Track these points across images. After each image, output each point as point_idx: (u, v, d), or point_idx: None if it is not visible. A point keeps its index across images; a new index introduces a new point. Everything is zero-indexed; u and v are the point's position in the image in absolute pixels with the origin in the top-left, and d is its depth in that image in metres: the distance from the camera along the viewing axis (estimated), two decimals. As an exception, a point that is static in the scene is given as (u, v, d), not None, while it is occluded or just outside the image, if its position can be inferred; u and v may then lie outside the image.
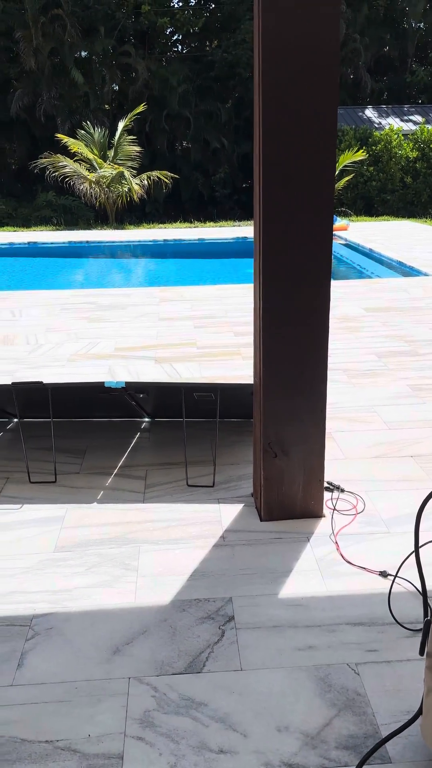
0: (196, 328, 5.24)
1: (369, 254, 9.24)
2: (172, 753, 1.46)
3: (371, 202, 16.43)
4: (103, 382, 2.67)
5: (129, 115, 14.13)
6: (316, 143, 2.08)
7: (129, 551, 2.25)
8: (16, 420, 3.48)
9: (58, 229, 13.59)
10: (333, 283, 7.45)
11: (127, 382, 2.67)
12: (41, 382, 2.65)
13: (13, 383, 2.64)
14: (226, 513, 2.47)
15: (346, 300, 6.13)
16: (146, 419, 3.44)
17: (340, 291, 6.51)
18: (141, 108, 14.32)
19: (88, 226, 15.71)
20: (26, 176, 22.50)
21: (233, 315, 5.65)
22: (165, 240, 11.27)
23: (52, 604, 1.98)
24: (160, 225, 13.98)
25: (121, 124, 14.13)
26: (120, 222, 15.33)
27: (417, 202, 16.32)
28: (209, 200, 22.67)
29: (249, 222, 14.33)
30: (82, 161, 14.07)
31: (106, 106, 21.66)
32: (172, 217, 18.05)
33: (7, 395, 2.83)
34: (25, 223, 17.31)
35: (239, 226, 13.26)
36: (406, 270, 7.84)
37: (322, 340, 2.28)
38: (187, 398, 2.86)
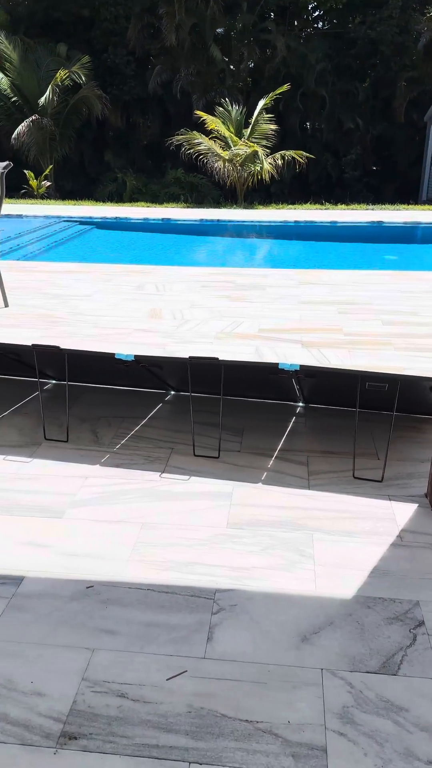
0: (340, 314, 5.11)
1: None
2: (378, 755, 1.41)
3: None
4: (277, 364, 2.64)
5: (271, 94, 13.97)
6: None
7: (302, 537, 2.22)
8: (172, 392, 3.54)
9: (188, 207, 13.76)
10: None
11: (301, 366, 2.62)
12: (216, 358, 2.66)
13: (190, 357, 2.67)
14: (400, 511, 2.38)
15: None
16: (300, 404, 3.39)
17: None
18: (285, 88, 14.10)
19: (215, 204, 15.83)
20: (157, 153, 22.99)
21: (378, 302, 5.45)
22: (296, 221, 11.10)
23: (233, 580, 1.99)
24: (290, 206, 13.79)
25: (261, 102, 14.00)
26: (248, 202, 15.29)
27: None
28: (337, 182, 22.11)
29: (382, 206, 13.82)
30: (217, 139, 14.12)
31: (241, 83, 21.58)
32: (297, 199, 17.77)
33: (181, 370, 2.87)
34: (154, 200, 17.72)
35: (372, 209, 12.81)
36: None
37: None
38: (355, 387, 2.77)
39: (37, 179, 16.27)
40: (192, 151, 14.05)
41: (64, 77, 18.16)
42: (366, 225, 10.83)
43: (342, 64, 21.45)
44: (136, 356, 2.75)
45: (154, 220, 11.41)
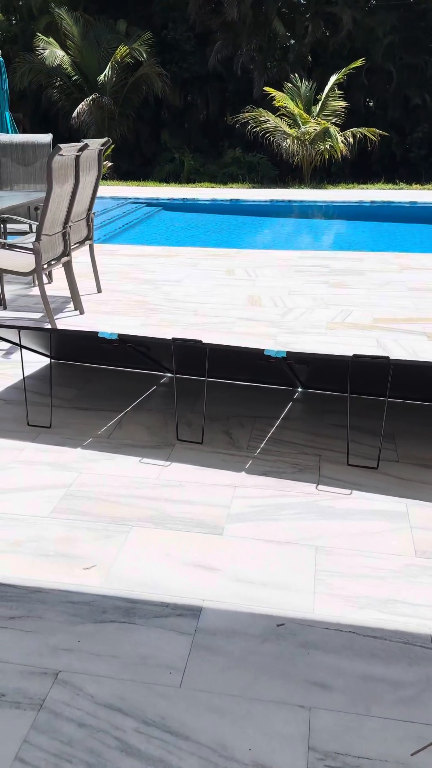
0: (457, 303, 4.72)
1: None
2: None
3: None
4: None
5: (345, 69, 13.40)
6: None
7: None
8: (300, 390, 3.26)
9: (254, 187, 13.35)
10: None
11: None
12: (387, 357, 2.35)
13: (354, 355, 2.37)
14: None
15: None
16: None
17: None
18: (359, 62, 13.49)
19: (275, 184, 15.35)
20: (214, 132, 22.53)
21: None
22: (372, 201, 10.61)
23: (447, 626, 1.70)
24: (361, 185, 13.25)
25: (333, 78, 13.45)
26: (313, 182, 14.76)
27: None
28: (401, 161, 21.24)
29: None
30: (284, 116, 13.63)
31: (304, 59, 20.85)
32: (358, 179, 17.10)
33: (341, 368, 2.57)
34: (212, 180, 17.33)
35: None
36: None
37: None
38: None
39: (98, 159, 16.05)
40: (258, 129, 13.58)
41: (124, 54, 17.87)
42: (447, 206, 10.28)
43: (411, 37, 20.47)
44: (288, 353, 2.46)
45: (222, 200, 11.07)
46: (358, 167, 19.67)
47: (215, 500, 2.30)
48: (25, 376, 3.31)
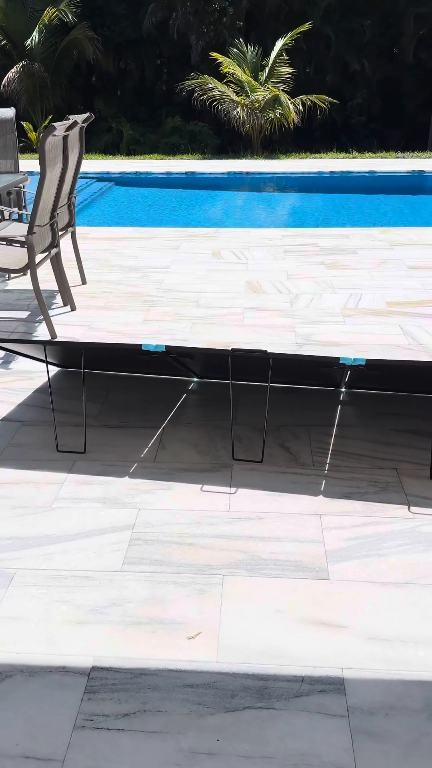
0: (464, 282, 4.57)
1: None
2: None
3: None
4: None
5: (291, 33, 13.00)
6: None
7: None
8: (344, 390, 3.02)
9: (206, 158, 12.90)
10: None
11: None
12: (264, 351, 2.13)
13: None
14: None
15: None
16: None
17: None
18: (306, 26, 13.10)
19: (221, 154, 14.90)
20: (150, 100, 21.71)
21: None
22: (332, 172, 10.40)
23: None
24: (315, 155, 13.02)
25: (279, 43, 13.04)
26: (264, 151, 14.39)
27: None
28: (342, 128, 21.10)
29: (415, 153, 13.09)
30: (231, 83, 13.15)
31: (240, 23, 20.21)
32: (302, 148, 16.85)
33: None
34: (153, 150, 16.68)
35: (404, 157, 12.10)
36: None
37: None
38: None
39: (36, 131, 15.13)
40: (205, 97, 13.06)
41: (52, 16, 16.79)
42: (406, 175, 10.16)
43: (348, 0, 20.18)
44: (367, 360, 2.21)
45: (177, 174, 10.58)
46: (302, 135, 19.39)
47: (305, 534, 2.04)
48: (50, 391, 2.93)
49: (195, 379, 3.12)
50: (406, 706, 1.47)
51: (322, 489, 2.28)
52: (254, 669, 1.57)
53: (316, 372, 2.74)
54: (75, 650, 1.61)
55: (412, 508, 2.17)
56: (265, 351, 2.24)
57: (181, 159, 12.52)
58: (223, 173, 10.62)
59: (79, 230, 6.40)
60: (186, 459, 2.47)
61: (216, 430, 2.67)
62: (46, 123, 16.29)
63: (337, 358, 2.22)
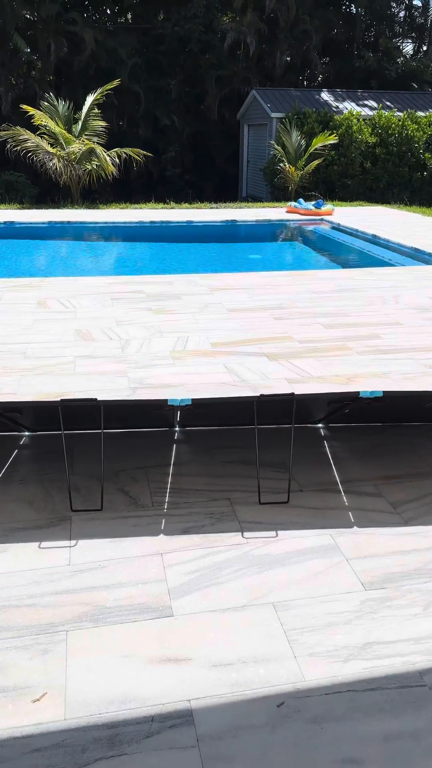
0: (277, 320, 4.98)
1: (374, 241, 9.23)
2: None
3: (332, 187, 16.44)
4: (357, 393, 2.42)
5: (101, 89, 13.37)
6: None
7: (447, 584, 2.04)
8: (177, 429, 3.14)
9: (24, 208, 12.71)
10: (373, 270, 7.29)
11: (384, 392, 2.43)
12: (293, 393, 2.36)
13: (260, 395, 2.33)
14: None
15: (404, 289, 6.04)
16: (320, 426, 3.20)
17: (388, 279, 6.42)
18: (116, 83, 13.57)
19: (40, 204, 14.80)
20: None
21: (303, 305, 5.42)
22: (152, 222, 10.78)
23: (427, 656, 1.75)
24: (135, 205, 13.40)
25: (90, 98, 13.35)
26: (83, 201, 14.53)
27: (375, 188, 16.48)
28: (159, 180, 22.03)
29: (227, 204, 13.98)
30: (45, 135, 13.19)
31: (51, 77, 20.45)
32: (120, 199, 17.33)
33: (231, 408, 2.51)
34: (-33, 200, 16.11)
35: (217, 208, 12.91)
36: (425, 257, 7.87)
37: None
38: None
39: None
40: (19, 148, 12.96)
41: None
42: (221, 224, 10.86)
43: (152, 60, 21.37)
44: (193, 400, 2.34)
45: (-5, 224, 10.30)
46: (121, 186, 19.90)
47: (148, 575, 2.08)
48: None
49: (26, 433, 3.05)
50: (251, 724, 1.56)
51: (162, 528, 2.35)
52: (104, 719, 1.56)
53: (149, 414, 2.83)
54: None
55: (245, 534, 2.31)
56: (96, 398, 2.28)
57: (3, 208, 12.21)
58: (44, 222, 10.54)
59: None
60: (21, 517, 2.41)
61: (52, 484, 2.63)
62: None
63: (166, 400, 2.32)
